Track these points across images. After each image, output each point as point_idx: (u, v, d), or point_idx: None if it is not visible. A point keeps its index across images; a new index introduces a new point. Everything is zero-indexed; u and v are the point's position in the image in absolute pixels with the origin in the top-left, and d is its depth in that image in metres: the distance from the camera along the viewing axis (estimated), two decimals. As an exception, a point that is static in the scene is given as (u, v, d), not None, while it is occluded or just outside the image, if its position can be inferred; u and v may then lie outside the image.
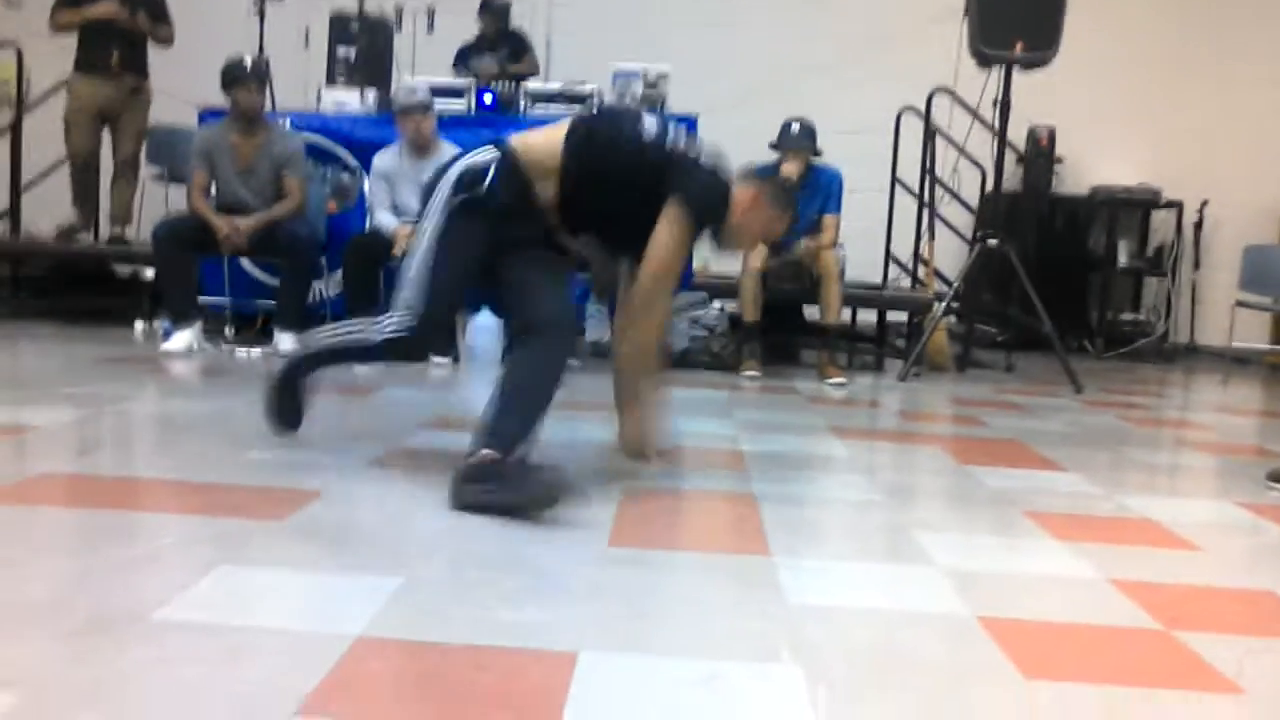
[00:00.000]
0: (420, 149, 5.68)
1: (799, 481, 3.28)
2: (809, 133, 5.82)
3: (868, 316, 7.07)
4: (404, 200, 5.70)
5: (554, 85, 6.61)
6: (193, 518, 2.50)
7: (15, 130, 7.27)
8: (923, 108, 6.99)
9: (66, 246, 6.82)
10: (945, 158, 7.28)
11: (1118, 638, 2.02)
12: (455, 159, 3.15)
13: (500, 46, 7.26)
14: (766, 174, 5.88)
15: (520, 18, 7.47)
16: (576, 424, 4.02)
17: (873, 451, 3.96)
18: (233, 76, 5.50)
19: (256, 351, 5.46)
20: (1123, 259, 8.47)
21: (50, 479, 2.77)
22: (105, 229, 7.02)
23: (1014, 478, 3.45)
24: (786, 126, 5.84)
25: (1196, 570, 2.52)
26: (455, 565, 2.22)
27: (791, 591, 2.12)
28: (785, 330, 6.68)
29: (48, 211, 7.28)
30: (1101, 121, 8.29)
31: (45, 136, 7.13)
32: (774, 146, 5.83)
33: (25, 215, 7.33)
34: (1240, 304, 7.01)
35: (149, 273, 6.73)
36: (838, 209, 5.88)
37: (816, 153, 5.83)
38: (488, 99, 6.35)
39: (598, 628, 1.89)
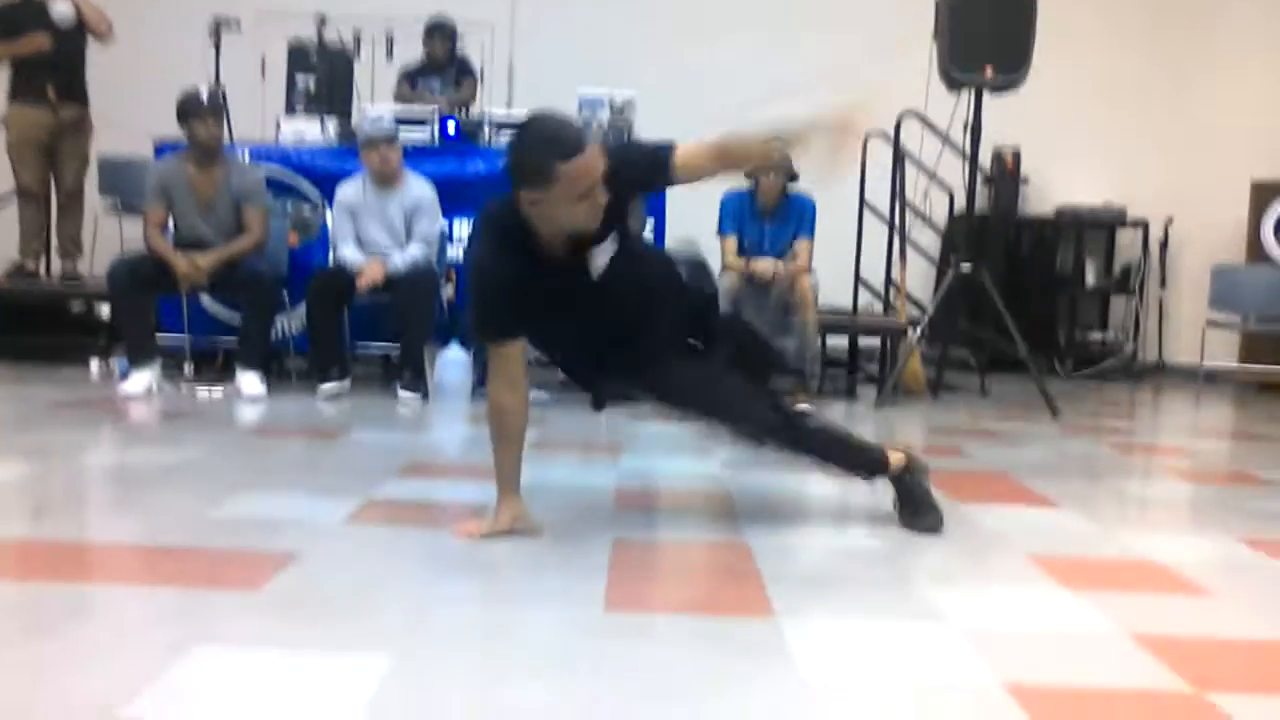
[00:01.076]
0: (386, 181, 5.54)
1: (790, 526, 3.16)
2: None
3: (838, 341, 6.99)
4: (369, 234, 5.56)
5: (518, 113, 6.49)
6: (159, 589, 2.35)
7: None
8: (891, 131, 6.94)
9: (16, 284, 6.62)
10: (914, 181, 7.24)
11: (1150, 704, 1.92)
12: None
13: (449, 71, 7.11)
14: (738, 199, 5.84)
15: (482, 45, 7.34)
16: (549, 466, 3.89)
17: (861, 488, 3.85)
18: (188, 110, 5.33)
19: (218, 391, 5.28)
20: (1090, 279, 8.47)
21: (3, 547, 2.60)
22: (56, 263, 6.82)
23: (1009, 516, 3.36)
24: None
25: (1214, 619, 2.43)
26: (446, 639, 2.09)
27: (802, 662, 2.01)
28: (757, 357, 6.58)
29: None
30: (1066, 142, 8.28)
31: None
32: (748, 174, 5.74)
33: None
34: (1211, 324, 7.01)
35: (104, 309, 6.55)
36: (811, 234, 5.81)
37: (793, 177, 5.75)
38: (451, 128, 6.23)
39: (606, 711, 1.77)
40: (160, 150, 6.00)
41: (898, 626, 2.27)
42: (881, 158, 6.93)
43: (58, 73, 6.37)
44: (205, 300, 5.88)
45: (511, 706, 1.76)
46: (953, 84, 5.89)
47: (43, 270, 6.86)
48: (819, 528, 3.24)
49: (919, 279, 7.54)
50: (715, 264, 5.74)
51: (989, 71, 5.73)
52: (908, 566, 2.79)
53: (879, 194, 7.05)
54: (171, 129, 5.50)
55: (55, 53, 6.33)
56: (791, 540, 2.99)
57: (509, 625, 2.17)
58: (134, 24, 6.71)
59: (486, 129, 6.27)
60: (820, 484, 3.77)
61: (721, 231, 5.81)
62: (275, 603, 2.24)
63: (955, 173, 6.89)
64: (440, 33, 7.09)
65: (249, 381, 5.26)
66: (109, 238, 7.12)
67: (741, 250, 5.75)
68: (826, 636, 2.18)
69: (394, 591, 2.37)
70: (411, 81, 7.06)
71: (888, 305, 7.11)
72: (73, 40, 6.40)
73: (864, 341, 7.03)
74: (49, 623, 2.10)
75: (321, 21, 6.70)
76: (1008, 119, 6.81)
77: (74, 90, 6.48)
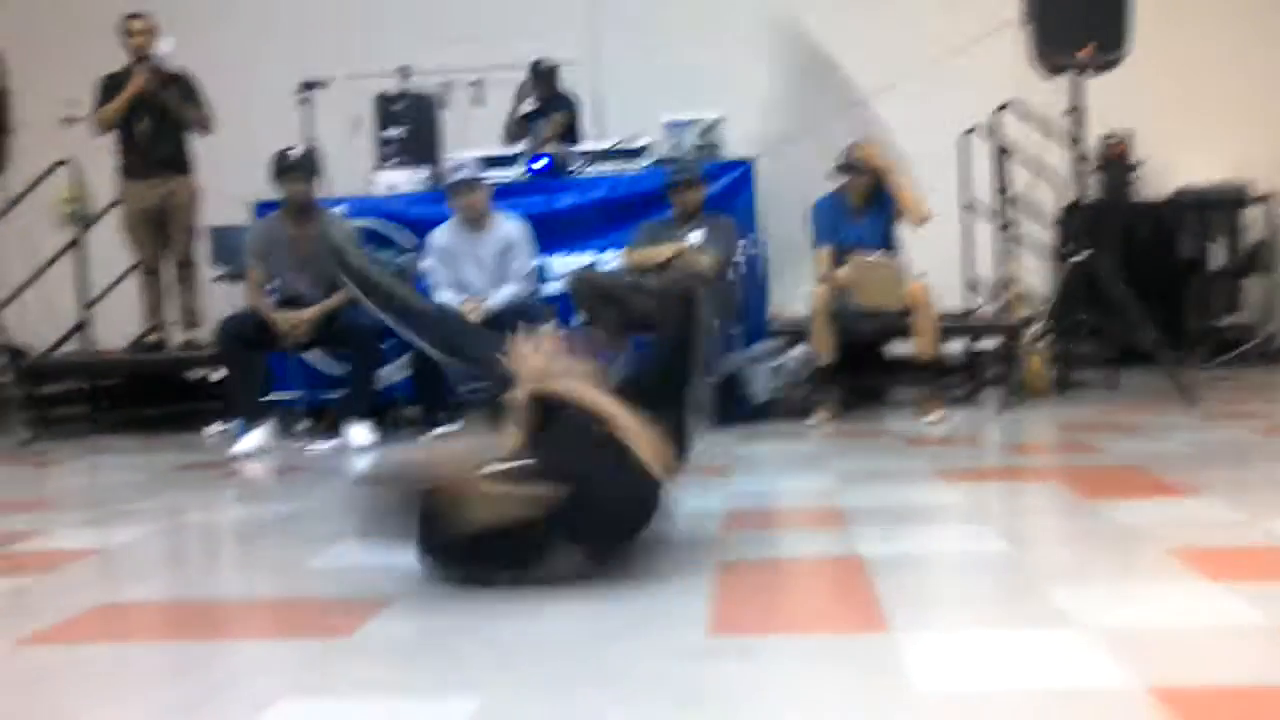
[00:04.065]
0: (476, 223, 5.54)
1: (909, 537, 3.00)
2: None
3: (955, 346, 6.75)
4: (465, 276, 5.56)
5: (605, 143, 6.45)
6: (254, 642, 2.30)
7: (79, 246, 7.30)
8: (986, 125, 6.71)
9: (137, 356, 6.80)
10: (1019, 174, 6.98)
11: (1316, 701, 1.72)
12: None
13: (552, 110, 7.11)
14: (829, 205, 5.68)
15: (569, 77, 7.35)
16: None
17: (985, 494, 3.66)
18: (280, 169, 5.42)
19: (328, 446, 5.31)
20: (1215, 261, 8.05)
21: (108, 611, 2.59)
22: (178, 334, 6.96)
23: (1145, 510, 3.13)
24: (850, 149, 5.61)
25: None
26: (536, 677, 1.98)
27: (920, 676, 1.85)
28: (869, 369, 6.40)
29: (117, 323, 7.29)
30: (1179, 121, 7.87)
31: (110, 249, 7.15)
32: (840, 169, 5.59)
33: (97, 327, 7.35)
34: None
35: (218, 374, 6.67)
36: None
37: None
38: (540, 164, 6.20)
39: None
40: (260, 209, 6.10)
41: (1027, 634, 2.09)
42: (981, 152, 6.72)
43: (160, 146, 6.51)
44: (312, 356, 5.93)
45: (606, 742, 1.65)
46: (1051, 68, 5.66)
47: (165, 341, 7.00)
48: (939, 537, 3.06)
49: (1033, 275, 7.25)
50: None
51: (1086, 51, 5.49)
52: (1036, 570, 2.60)
53: (983, 190, 6.82)
54: (271, 191, 5.59)
55: (157, 130, 6.45)
56: (909, 551, 2.82)
57: (604, 656, 2.05)
58: (229, 93, 6.87)
59: (576, 162, 6.24)
60: (940, 493, 3.60)
61: (816, 243, 5.63)
62: (364, 649, 2.17)
63: (1061, 162, 6.63)
64: (537, 75, 7.11)
65: (358, 433, 5.27)
66: (221, 306, 7.25)
67: (841, 257, 5.55)
68: (948, 649, 2.01)
69: (487, 631, 2.28)
70: (526, 124, 7.08)
71: (1003, 304, 6.85)
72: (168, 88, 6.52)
73: (982, 345, 6.77)
74: (143, 683, 2.07)
75: (406, 74, 6.77)
76: (1115, 103, 6.52)
77: (177, 162, 6.62)
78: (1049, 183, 7.02)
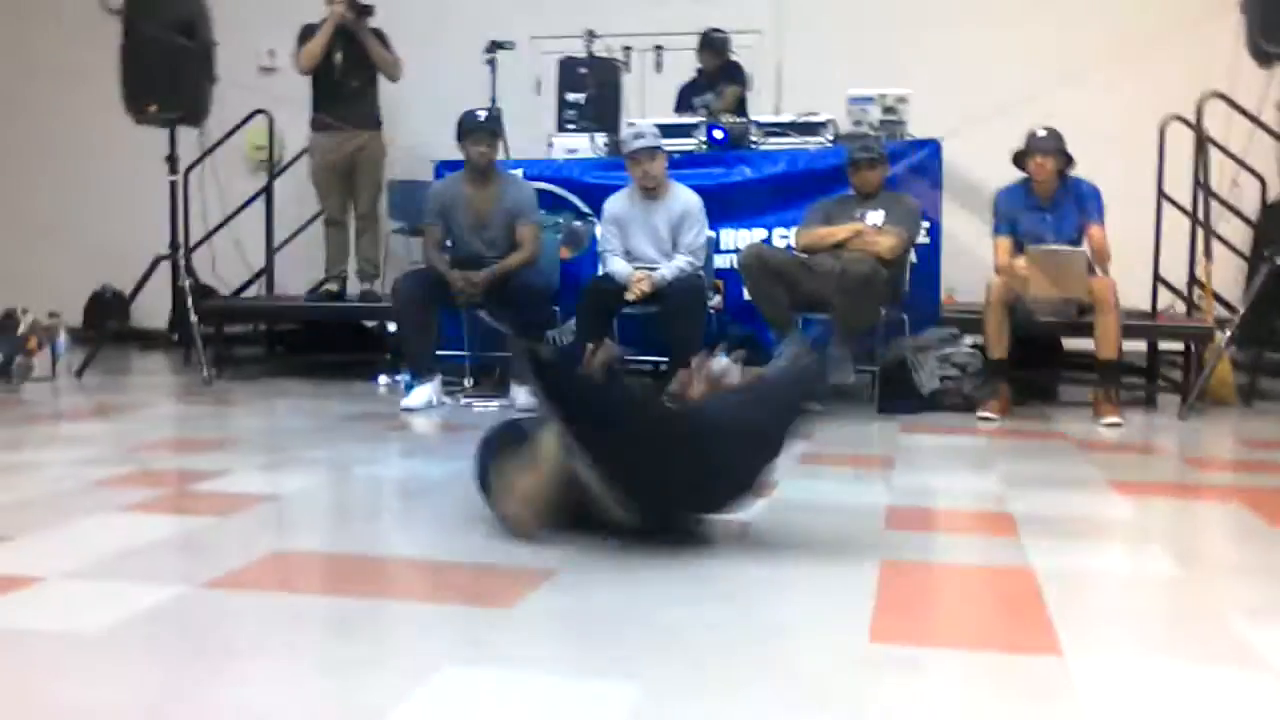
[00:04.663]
0: (651, 192, 5.53)
1: (1082, 551, 2.88)
2: (1057, 136, 5.35)
3: (1132, 346, 6.47)
4: (637, 245, 5.57)
5: (785, 117, 6.37)
6: (418, 605, 2.36)
7: (268, 193, 7.59)
8: (1189, 115, 6.38)
9: (317, 304, 7.04)
10: (1219, 168, 6.63)
11: None
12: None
13: (720, 82, 7.07)
14: (1012, 194, 5.47)
15: (750, 47, 7.26)
16: (818, 480, 3.74)
17: (1163, 510, 3.50)
18: (465, 130, 5.50)
19: (493, 405, 5.40)
20: None
21: (281, 559, 2.69)
22: (355, 285, 7.18)
23: (1341, 542, 2.96)
24: (1032, 134, 5.40)
25: None
26: (698, 665, 1.98)
27: (1094, 708, 1.78)
28: (1043, 365, 6.20)
29: (300, 269, 7.57)
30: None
31: (295, 198, 7.41)
32: (1017, 158, 5.39)
33: (278, 273, 7.65)
34: None
35: (392, 327, 6.85)
36: (1101, 219, 5.35)
37: (1069, 161, 5.36)
38: (718, 135, 6.16)
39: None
40: (440, 169, 6.23)
41: (1208, 670, 1.99)
42: (1181, 143, 6.39)
43: (352, 84, 6.68)
44: (483, 315, 6.03)
45: (763, 747, 1.64)
46: (1264, 58, 5.34)
47: (344, 290, 7.23)
48: (1114, 553, 2.94)
49: (1227, 276, 6.89)
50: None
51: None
52: (1218, 600, 2.47)
53: (1179, 183, 6.49)
54: (455, 150, 5.69)
55: (351, 66, 6.62)
56: (1082, 566, 2.71)
57: (766, 655, 2.04)
58: (418, 50, 7.01)
59: (753, 135, 6.18)
60: (1113, 505, 3.46)
61: (996, 232, 5.46)
62: (526, 622, 2.20)
63: (1266, 158, 6.28)
64: (709, 46, 7.09)
65: (523, 394, 5.35)
66: (401, 259, 7.44)
67: (1020, 247, 5.36)
68: (1122, 679, 1.93)
69: (650, 615, 2.28)
70: (687, 97, 7.08)
71: (1191, 306, 6.54)
72: (362, 70, 6.70)
73: (1165, 346, 6.47)
74: (311, 638, 2.14)
75: (590, 38, 6.80)
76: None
77: (366, 117, 6.80)
78: (1252, 178, 6.66)
